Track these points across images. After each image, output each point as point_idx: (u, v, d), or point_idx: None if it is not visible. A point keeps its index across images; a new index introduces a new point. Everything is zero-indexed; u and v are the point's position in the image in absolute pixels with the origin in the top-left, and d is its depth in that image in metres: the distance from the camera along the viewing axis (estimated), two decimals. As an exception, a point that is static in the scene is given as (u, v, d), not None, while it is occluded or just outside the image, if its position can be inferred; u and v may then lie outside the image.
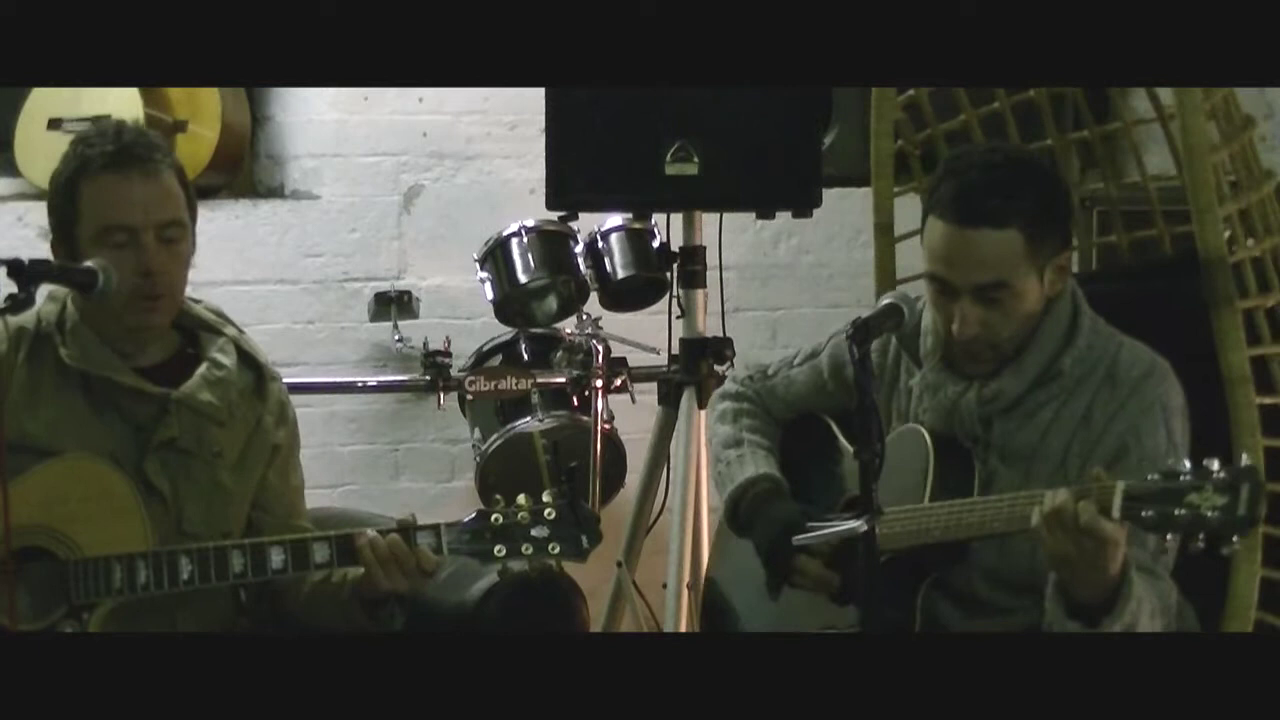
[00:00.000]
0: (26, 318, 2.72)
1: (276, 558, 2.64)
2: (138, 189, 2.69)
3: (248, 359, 2.86)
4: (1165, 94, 3.35)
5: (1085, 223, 3.69)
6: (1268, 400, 3.04)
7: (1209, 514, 2.29)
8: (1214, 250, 3.03)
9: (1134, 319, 2.80)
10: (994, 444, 2.73)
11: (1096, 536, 2.39)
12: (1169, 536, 2.37)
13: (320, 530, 2.73)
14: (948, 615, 2.69)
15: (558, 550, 2.67)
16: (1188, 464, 2.33)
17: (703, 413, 3.63)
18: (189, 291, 2.87)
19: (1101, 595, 2.45)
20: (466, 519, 2.68)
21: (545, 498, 2.69)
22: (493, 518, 2.68)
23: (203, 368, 2.78)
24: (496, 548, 2.66)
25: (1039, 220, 2.65)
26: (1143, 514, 2.34)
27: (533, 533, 2.67)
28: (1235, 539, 2.29)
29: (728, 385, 3.13)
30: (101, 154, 2.69)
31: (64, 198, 2.71)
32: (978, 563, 2.68)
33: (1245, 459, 2.32)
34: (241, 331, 2.91)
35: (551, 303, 4.04)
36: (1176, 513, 2.31)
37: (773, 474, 2.94)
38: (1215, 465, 2.31)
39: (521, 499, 2.69)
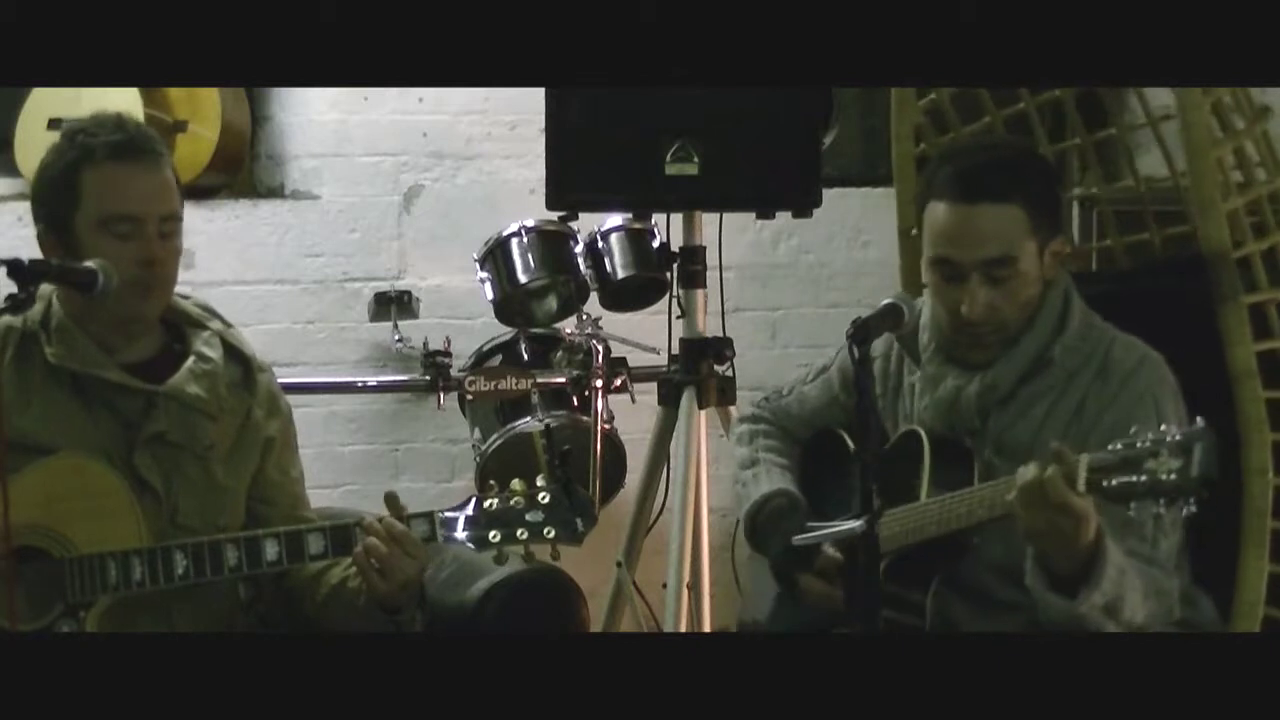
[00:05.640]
0: (14, 317, 2.71)
1: (271, 550, 2.64)
2: (144, 180, 2.71)
3: (234, 352, 2.86)
4: (1166, 93, 3.35)
5: (1105, 222, 3.68)
6: (1275, 395, 3.03)
7: (1165, 478, 2.28)
8: (1218, 246, 3.04)
9: (1145, 317, 2.81)
10: (990, 438, 2.74)
11: (1066, 510, 2.40)
12: (1131, 506, 2.35)
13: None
14: (959, 613, 2.70)
15: (553, 534, 2.67)
16: (1150, 434, 2.33)
17: (703, 413, 3.64)
18: (186, 290, 2.88)
19: (1078, 566, 2.47)
20: (460, 505, 2.69)
21: (539, 482, 2.69)
22: (487, 504, 2.68)
23: (189, 361, 2.79)
24: (491, 534, 2.66)
25: (1038, 197, 2.71)
26: (1104, 484, 2.35)
27: (527, 517, 2.67)
28: (1192, 500, 2.28)
29: (745, 409, 3.17)
30: (107, 144, 2.70)
31: (60, 186, 2.71)
32: (987, 558, 2.69)
33: (1199, 420, 2.31)
34: (228, 325, 2.91)
35: (551, 303, 4.04)
36: (1136, 479, 2.31)
37: (787, 489, 2.95)
38: (1173, 430, 2.31)
39: (516, 484, 2.69)
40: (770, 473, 3.00)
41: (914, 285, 3.52)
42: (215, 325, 2.87)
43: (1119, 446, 2.35)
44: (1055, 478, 2.39)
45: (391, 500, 2.69)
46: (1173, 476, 2.28)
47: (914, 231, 2.82)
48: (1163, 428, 2.33)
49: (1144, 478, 2.30)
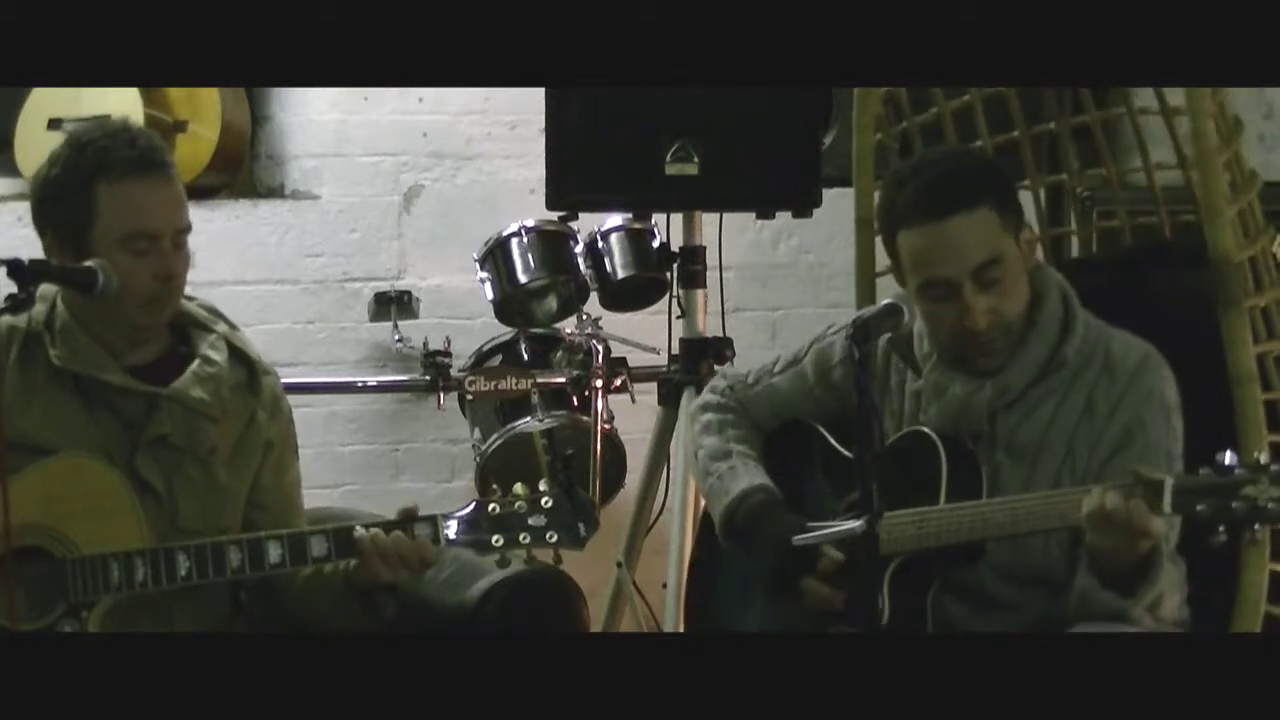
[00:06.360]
0: (18, 317, 2.71)
1: (274, 552, 2.65)
2: (161, 196, 2.71)
3: (239, 355, 2.86)
4: (1152, 93, 3.36)
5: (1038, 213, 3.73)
6: (1265, 397, 3.05)
7: (1269, 505, 2.34)
8: (1224, 251, 3.04)
9: (1116, 311, 2.83)
10: (998, 440, 2.73)
11: (1149, 534, 2.44)
12: (1221, 530, 2.39)
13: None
14: (957, 613, 2.70)
15: (555, 539, 2.68)
16: (1233, 456, 2.38)
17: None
18: (187, 290, 2.88)
19: (1135, 568, 2.50)
20: (463, 509, 2.69)
21: (542, 486, 2.69)
22: (489, 508, 2.68)
23: (194, 364, 2.79)
24: (494, 537, 2.67)
25: (1001, 193, 2.71)
26: (1197, 508, 2.38)
27: (530, 521, 2.67)
28: None
29: (708, 396, 3.07)
30: (125, 160, 2.68)
31: (76, 199, 2.69)
32: (988, 560, 2.68)
33: None
34: (234, 328, 2.91)
35: (551, 303, 4.04)
36: (1233, 505, 2.35)
37: (767, 484, 2.92)
38: (1264, 458, 2.37)
39: (518, 488, 2.69)
40: (746, 465, 2.94)
41: (867, 275, 3.50)
42: (221, 328, 2.87)
43: (1208, 471, 2.39)
44: (1141, 507, 2.42)
45: (406, 517, 2.70)
46: (1275, 505, 2.34)
47: (887, 266, 2.83)
48: (1256, 455, 2.38)
49: (1241, 504, 2.35)
